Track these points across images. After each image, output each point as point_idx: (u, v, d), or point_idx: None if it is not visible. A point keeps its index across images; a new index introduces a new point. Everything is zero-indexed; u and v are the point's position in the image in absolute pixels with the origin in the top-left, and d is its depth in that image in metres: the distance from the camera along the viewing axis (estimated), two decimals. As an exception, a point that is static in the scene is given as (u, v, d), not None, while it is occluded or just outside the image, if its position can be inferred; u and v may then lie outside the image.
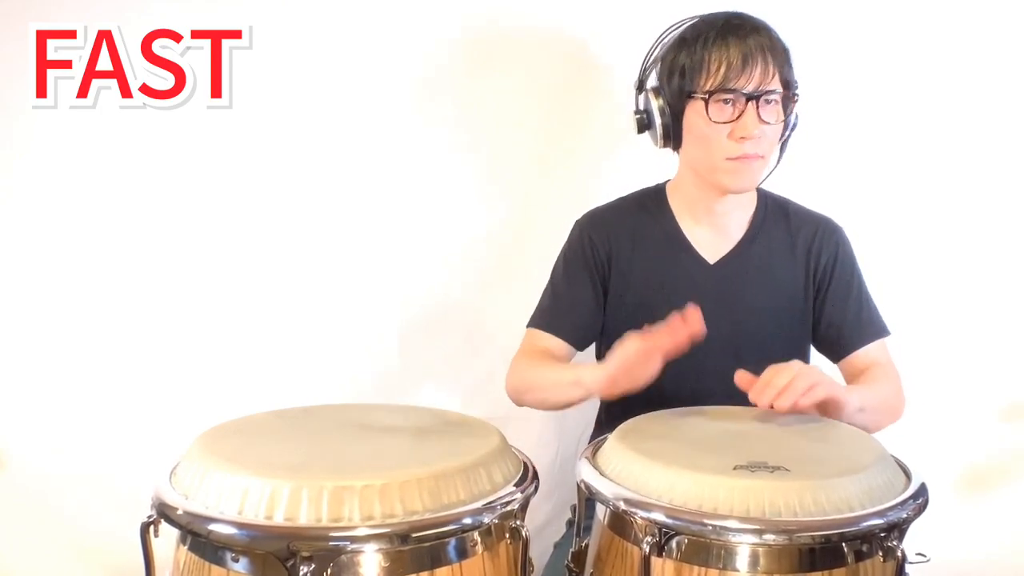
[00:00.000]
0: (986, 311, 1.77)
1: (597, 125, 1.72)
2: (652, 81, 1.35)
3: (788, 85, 1.30)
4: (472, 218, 1.76)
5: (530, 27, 1.69)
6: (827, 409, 1.19)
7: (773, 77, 1.27)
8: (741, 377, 1.18)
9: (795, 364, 1.16)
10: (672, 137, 1.34)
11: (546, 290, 1.46)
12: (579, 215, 1.47)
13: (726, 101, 1.26)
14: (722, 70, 1.25)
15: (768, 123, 1.28)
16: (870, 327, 1.40)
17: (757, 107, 1.26)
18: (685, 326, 1.14)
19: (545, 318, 1.43)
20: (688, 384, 1.36)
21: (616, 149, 1.70)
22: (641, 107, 1.37)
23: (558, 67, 1.71)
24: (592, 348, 1.48)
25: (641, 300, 1.40)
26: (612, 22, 1.68)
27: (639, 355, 1.15)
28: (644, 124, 1.37)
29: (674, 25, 1.33)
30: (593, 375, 1.23)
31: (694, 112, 1.29)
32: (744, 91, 1.25)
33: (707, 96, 1.26)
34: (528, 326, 1.44)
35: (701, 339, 1.15)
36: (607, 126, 1.70)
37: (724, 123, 1.27)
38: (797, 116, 1.33)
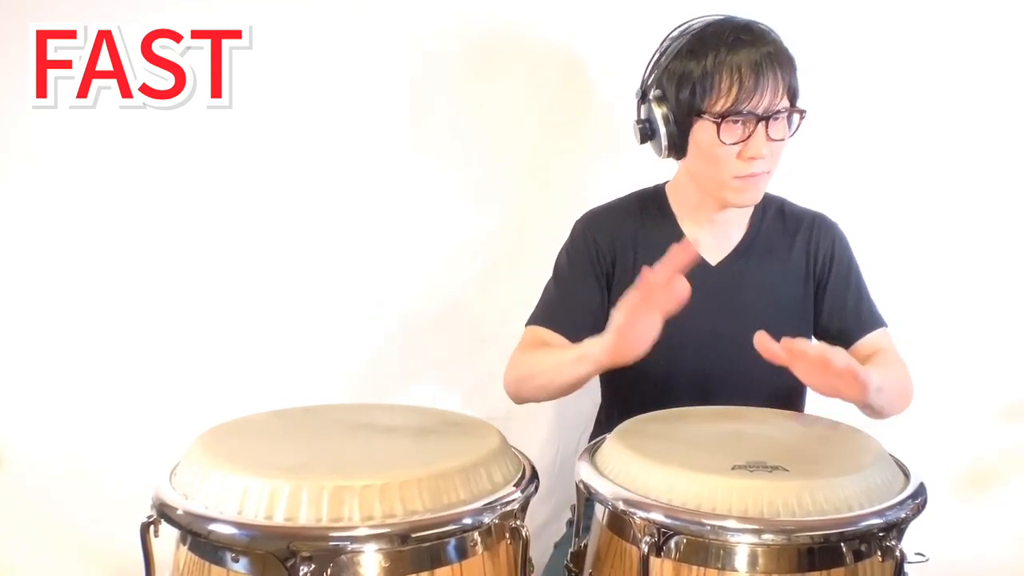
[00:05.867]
0: (986, 311, 1.77)
1: (595, 128, 1.72)
2: (655, 91, 1.30)
3: (794, 96, 1.29)
4: (472, 219, 1.76)
5: (529, 30, 1.69)
6: (846, 383, 1.12)
7: (782, 93, 1.26)
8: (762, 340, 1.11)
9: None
10: (676, 149, 1.31)
11: (548, 287, 1.44)
12: (578, 216, 1.46)
13: (735, 122, 1.24)
14: (734, 91, 1.22)
15: (777, 140, 1.27)
16: (869, 318, 1.40)
17: (767, 127, 1.25)
18: (681, 254, 1.10)
19: (548, 315, 1.41)
20: (690, 384, 1.36)
21: (614, 151, 1.69)
22: (643, 116, 1.34)
23: (557, 69, 1.71)
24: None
25: None
26: (609, 26, 1.68)
27: (638, 307, 1.12)
28: (647, 134, 1.33)
29: (676, 29, 1.31)
30: (598, 343, 1.20)
31: (702, 130, 1.26)
32: (756, 112, 1.23)
33: (719, 119, 1.23)
34: (528, 324, 1.42)
35: (694, 264, 1.11)
36: (605, 129, 1.70)
37: (734, 144, 1.25)
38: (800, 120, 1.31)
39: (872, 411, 1.28)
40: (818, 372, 1.11)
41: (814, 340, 1.44)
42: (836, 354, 1.08)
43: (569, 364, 1.26)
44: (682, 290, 1.11)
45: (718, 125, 1.24)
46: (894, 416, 1.32)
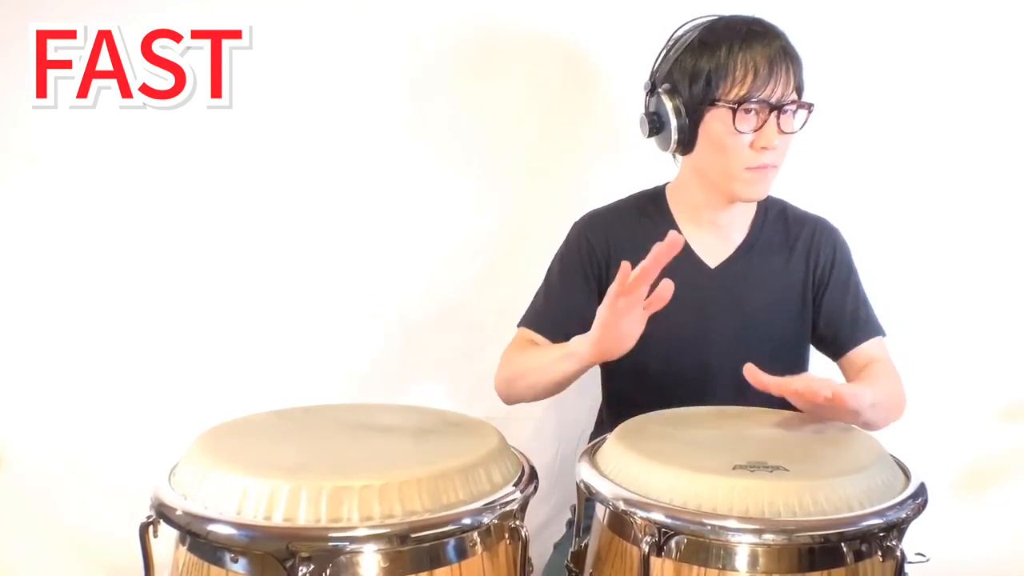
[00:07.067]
0: (985, 311, 1.77)
1: (595, 128, 1.72)
2: (665, 83, 1.30)
3: (800, 92, 1.30)
4: (472, 218, 1.76)
5: (529, 30, 1.69)
6: (837, 409, 1.14)
7: (792, 86, 1.27)
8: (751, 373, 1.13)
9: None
10: (685, 142, 1.30)
11: (539, 291, 1.45)
12: (578, 216, 1.47)
13: (749, 111, 1.25)
14: (749, 79, 1.24)
15: (788, 133, 1.27)
16: (867, 325, 1.41)
17: (779, 117, 1.26)
18: (667, 251, 1.07)
19: (536, 319, 1.42)
20: (689, 385, 1.36)
21: (614, 151, 1.70)
22: (652, 109, 1.33)
23: (557, 69, 1.71)
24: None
25: None
26: (609, 25, 1.68)
27: (621, 308, 1.12)
28: (655, 128, 1.32)
29: (682, 27, 1.31)
30: (584, 340, 1.21)
31: (716, 119, 1.27)
32: (770, 101, 1.25)
33: (736, 105, 1.24)
34: (519, 325, 1.43)
35: (678, 249, 1.07)
36: (605, 128, 1.70)
37: (747, 133, 1.26)
38: (807, 115, 1.32)
39: (866, 425, 1.28)
40: (808, 402, 1.12)
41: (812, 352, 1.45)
42: (823, 386, 1.09)
43: (556, 361, 1.27)
44: (666, 289, 1.10)
45: (734, 112, 1.24)
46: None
